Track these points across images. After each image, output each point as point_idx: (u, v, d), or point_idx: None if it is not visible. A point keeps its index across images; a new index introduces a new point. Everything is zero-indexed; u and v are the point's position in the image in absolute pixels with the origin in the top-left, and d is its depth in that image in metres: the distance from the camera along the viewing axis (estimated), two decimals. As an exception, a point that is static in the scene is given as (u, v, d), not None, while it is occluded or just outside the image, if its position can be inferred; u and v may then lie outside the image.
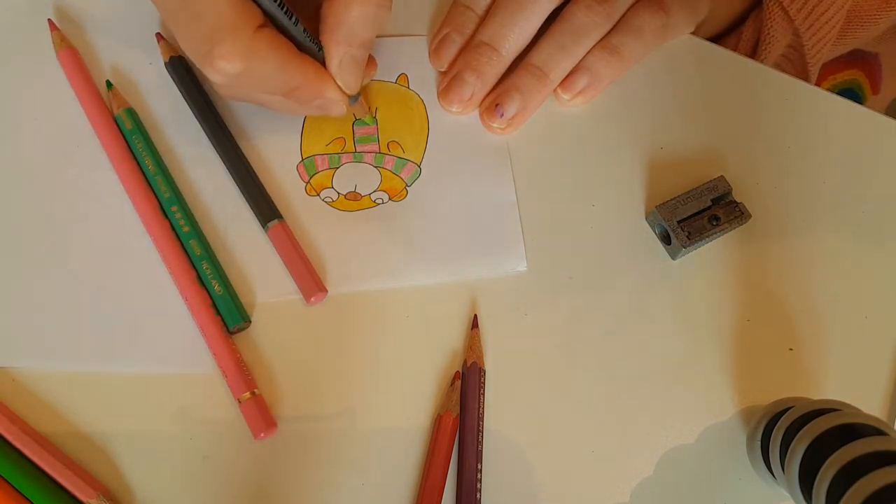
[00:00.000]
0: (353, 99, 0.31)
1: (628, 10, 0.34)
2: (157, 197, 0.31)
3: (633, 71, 0.35)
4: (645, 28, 0.34)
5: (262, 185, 0.32)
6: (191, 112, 0.33)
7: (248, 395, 0.28)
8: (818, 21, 0.38)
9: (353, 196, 0.33)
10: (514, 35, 0.33)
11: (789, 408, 0.27)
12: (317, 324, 0.30)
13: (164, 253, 0.30)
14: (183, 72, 0.33)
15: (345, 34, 0.28)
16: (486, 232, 0.32)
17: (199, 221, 0.32)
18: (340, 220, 0.32)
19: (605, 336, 0.31)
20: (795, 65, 0.41)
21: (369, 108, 0.34)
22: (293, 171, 0.33)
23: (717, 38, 0.42)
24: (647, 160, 0.34)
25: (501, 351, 0.30)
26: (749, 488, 0.29)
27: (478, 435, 0.28)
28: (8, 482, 0.27)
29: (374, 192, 0.33)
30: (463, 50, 0.34)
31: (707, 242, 0.32)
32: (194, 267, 0.30)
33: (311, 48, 0.28)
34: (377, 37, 0.35)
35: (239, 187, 0.32)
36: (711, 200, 0.32)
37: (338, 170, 0.33)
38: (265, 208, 0.31)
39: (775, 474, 0.27)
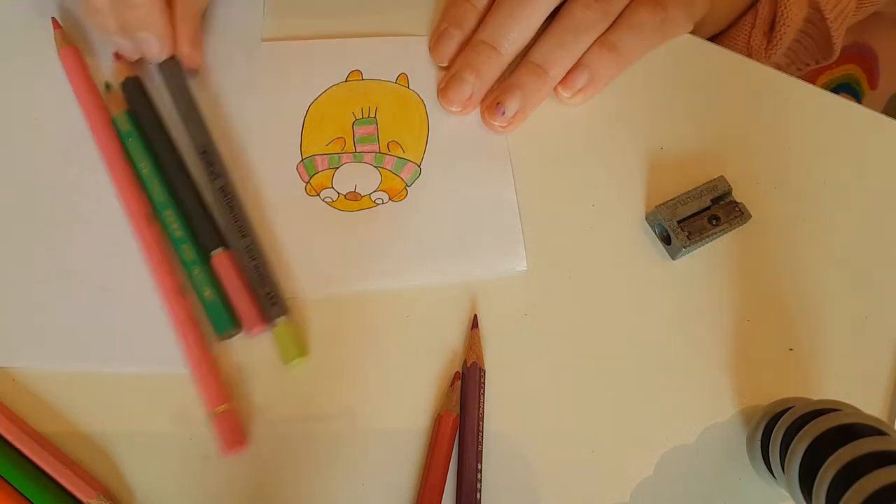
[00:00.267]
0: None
1: (626, 7, 0.34)
2: (151, 200, 0.31)
3: (633, 71, 0.35)
4: (644, 25, 0.34)
5: (208, 210, 0.31)
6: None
7: (222, 408, 0.28)
8: None
9: (353, 196, 0.33)
10: (514, 34, 0.33)
11: (789, 408, 0.27)
12: (317, 324, 0.30)
13: (149, 259, 0.30)
14: (139, 94, 0.33)
15: None
16: (486, 232, 0.32)
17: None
18: (340, 221, 0.32)
19: (605, 336, 0.31)
20: (816, 38, 0.41)
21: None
22: (293, 171, 0.33)
23: (733, 22, 0.42)
24: (647, 160, 0.34)
25: (501, 351, 0.30)
26: (749, 488, 0.29)
27: (478, 435, 0.28)
28: (8, 482, 0.27)
29: (374, 192, 0.33)
30: (462, 48, 0.34)
31: (707, 242, 0.32)
32: (186, 270, 0.30)
33: None
34: (377, 37, 0.36)
35: (182, 214, 0.31)
36: (711, 200, 0.32)
37: (338, 170, 0.33)
38: (207, 236, 0.31)
39: (775, 474, 0.27)
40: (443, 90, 0.34)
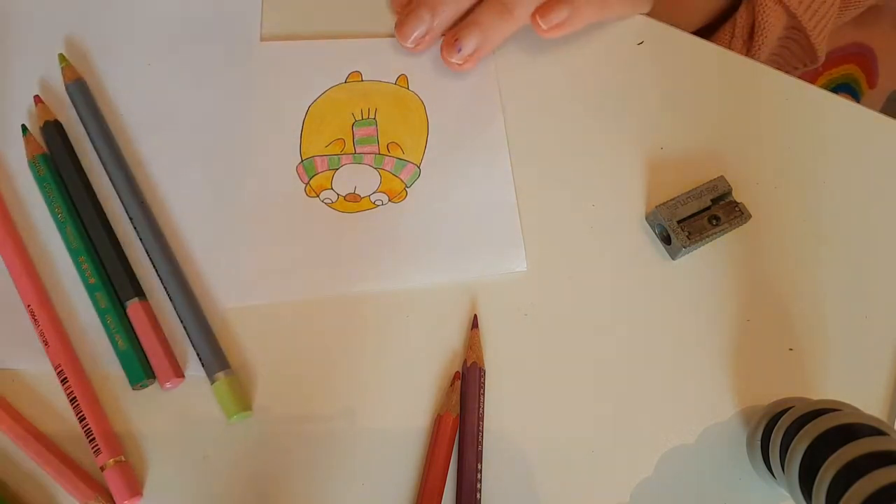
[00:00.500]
0: None
1: None
2: (66, 246, 0.30)
3: (632, 71, 0.35)
4: None
5: (125, 258, 0.31)
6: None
7: (111, 462, 0.27)
8: (815, 2, 0.38)
9: (353, 197, 0.33)
10: None
11: (789, 408, 0.27)
12: (317, 324, 0.30)
13: (39, 319, 0.29)
14: (59, 140, 0.32)
15: None
16: (485, 232, 0.32)
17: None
18: (340, 222, 0.32)
19: (605, 336, 0.31)
20: (800, 43, 0.41)
21: None
22: (292, 173, 0.33)
23: (712, 29, 0.42)
24: (647, 160, 0.34)
25: (501, 351, 0.30)
26: (749, 488, 0.29)
27: (478, 435, 0.28)
28: None
29: (374, 193, 0.33)
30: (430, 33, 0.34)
31: (707, 242, 0.32)
32: (100, 318, 0.29)
33: None
34: (376, 38, 0.36)
35: (97, 261, 0.30)
36: (711, 200, 0.32)
37: (337, 171, 0.33)
38: (122, 285, 0.30)
39: (775, 474, 0.27)
40: (398, 25, 0.34)
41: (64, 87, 0.33)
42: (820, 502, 0.23)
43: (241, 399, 0.29)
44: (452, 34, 0.33)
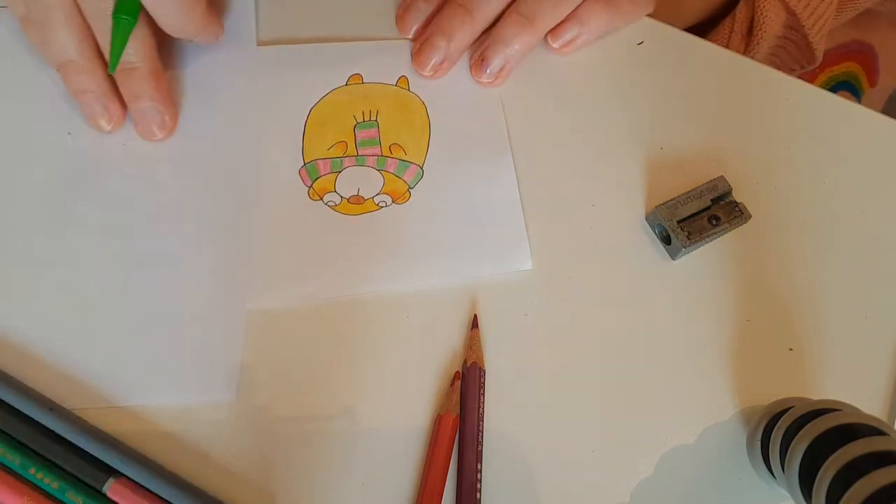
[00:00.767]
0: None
1: None
2: (10, 466, 0.27)
3: (632, 71, 0.35)
4: None
5: (77, 447, 0.28)
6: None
7: None
8: (813, 0, 0.38)
9: (356, 199, 0.33)
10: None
11: (789, 408, 0.27)
12: (317, 324, 0.31)
13: None
14: None
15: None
16: (490, 232, 0.32)
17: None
18: (343, 224, 0.32)
19: (605, 336, 0.31)
20: (797, 43, 0.41)
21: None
22: (295, 176, 0.33)
23: (711, 25, 0.42)
24: (647, 160, 0.34)
25: (501, 351, 0.30)
26: (749, 488, 0.29)
27: (478, 435, 0.29)
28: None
29: (377, 195, 0.33)
30: (439, 8, 0.34)
31: (707, 242, 0.32)
32: None
33: None
34: (378, 40, 0.36)
35: (49, 466, 0.27)
36: (711, 200, 0.32)
37: (340, 173, 0.33)
38: (93, 474, 0.27)
39: (775, 474, 0.27)
40: (416, 55, 0.34)
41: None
42: (820, 502, 0.23)
43: None
44: (479, 54, 0.34)
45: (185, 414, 0.29)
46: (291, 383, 0.30)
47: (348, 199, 0.33)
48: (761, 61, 0.40)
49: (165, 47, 0.34)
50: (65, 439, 0.28)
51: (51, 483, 0.27)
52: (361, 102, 0.35)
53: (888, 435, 0.24)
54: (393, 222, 0.32)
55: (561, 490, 0.29)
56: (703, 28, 0.43)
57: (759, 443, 0.28)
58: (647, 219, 0.33)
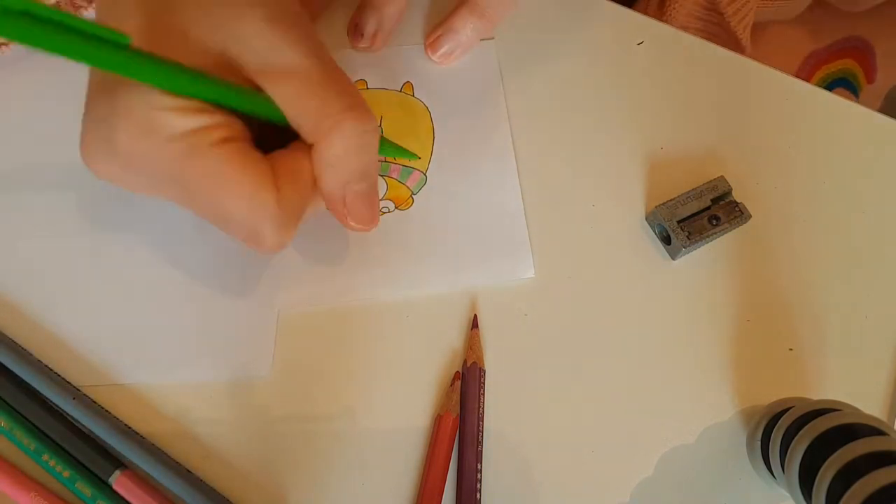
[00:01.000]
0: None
1: None
2: (24, 450, 0.28)
3: (632, 71, 0.35)
4: None
5: (89, 436, 0.28)
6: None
7: None
8: None
9: (359, 204, 0.33)
10: None
11: (789, 408, 0.27)
12: (317, 325, 0.30)
13: None
14: None
15: (338, 174, 0.25)
16: (493, 239, 0.32)
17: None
18: (346, 230, 0.32)
19: (605, 336, 0.31)
20: (725, 28, 0.41)
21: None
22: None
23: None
24: (647, 160, 0.34)
25: (501, 351, 0.30)
26: (749, 488, 0.29)
27: (478, 435, 0.28)
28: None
29: (381, 200, 0.33)
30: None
31: (707, 242, 0.32)
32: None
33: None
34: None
35: (62, 453, 0.28)
36: (711, 200, 0.32)
37: (342, 177, 0.33)
38: (101, 465, 0.28)
39: (775, 474, 0.27)
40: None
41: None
42: (820, 502, 0.23)
43: None
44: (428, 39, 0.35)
45: (186, 413, 0.29)
46: (292, 383, 0.30)
47: (350, 203, 0.33)
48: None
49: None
50: (77, 428, 0.28)
51: (62, 471, 0.28)
52: (364, 107, 0.34)
53: (888, 435, 0.24)
54: (395, 228, 0.32)
55: (561, 490, 0.29)
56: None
57: (759, 443, 0.28)
58: (647, 219, 0.33)
